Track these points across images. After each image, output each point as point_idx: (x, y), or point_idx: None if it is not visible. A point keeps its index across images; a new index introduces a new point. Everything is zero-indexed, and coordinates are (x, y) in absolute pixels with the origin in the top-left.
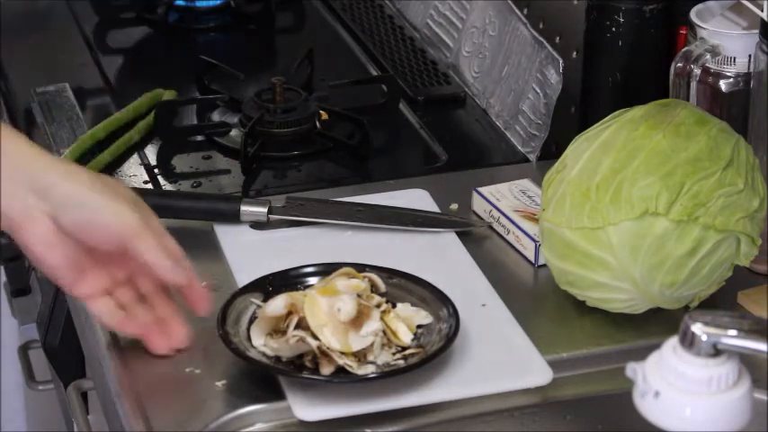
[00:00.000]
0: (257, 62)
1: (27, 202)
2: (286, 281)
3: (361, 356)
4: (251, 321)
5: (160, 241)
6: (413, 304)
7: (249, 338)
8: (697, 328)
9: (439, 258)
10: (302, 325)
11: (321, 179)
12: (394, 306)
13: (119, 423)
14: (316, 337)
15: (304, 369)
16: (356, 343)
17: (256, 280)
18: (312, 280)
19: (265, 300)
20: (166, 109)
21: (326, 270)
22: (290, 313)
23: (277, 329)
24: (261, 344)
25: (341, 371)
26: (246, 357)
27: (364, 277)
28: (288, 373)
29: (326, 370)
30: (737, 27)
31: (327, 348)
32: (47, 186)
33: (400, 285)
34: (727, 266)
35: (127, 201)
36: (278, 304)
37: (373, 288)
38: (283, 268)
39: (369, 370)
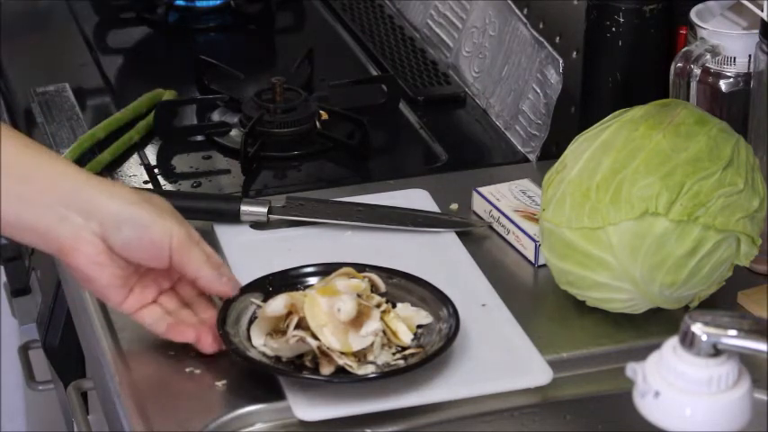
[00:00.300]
0: (257, 62)
1: (76, 224)
2: (286, 281)
3: (361, 356)
4: (251, 321)
5: (204, 252)
6: (413, 304)
7: (249, 338)
8: (697, 328)
9: (439, 258)
10: (302, 325)
11: (321, 179)
12: (394, 306)
13: (119, 423)
14: (316, 337)
15: (304, 369)
16: (356, 343)
17: (256, 280)
18: (312, 280)
19: (265, 300)
20: (166, 109)
21: (326, 270)
22: (290, 313)
23: (277, 329)
24: (261, 344)
25: (341, 371)
26: (247, 357)
27: (364, 277)
28: (288, 373)
29: (326, 370)
30: (737, 27)
31: (327, 348)
32: (94, 207)
33: (400, 285)
34: (727, 266)
35: (169, 214)
36: (278, 304)
37: (373, 288)
38: (283, 268)
39: (369, 370)
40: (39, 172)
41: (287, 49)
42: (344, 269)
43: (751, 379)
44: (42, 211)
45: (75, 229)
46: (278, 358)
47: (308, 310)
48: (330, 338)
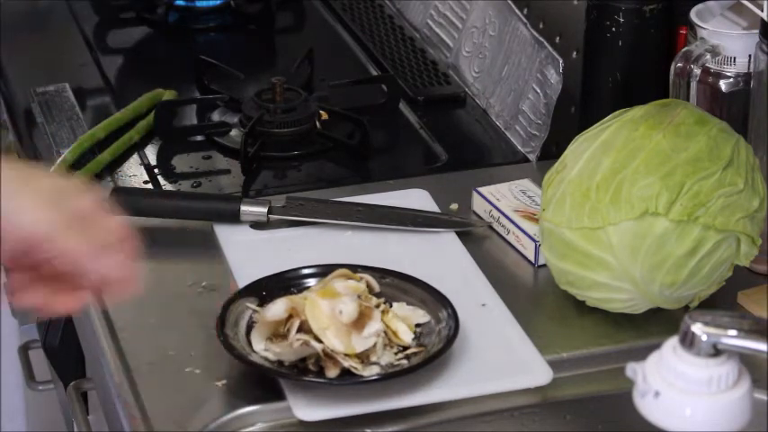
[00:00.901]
0: (257, 62)
1: None
2: (280, 284)
3: (364, 357)
4: (248, 326)
5: (84, 237)
6: (408, 303)
7: (249, 343)
8: (697, 328)
9: (439, 258)
10: (304, 328)
11: (321, 179)
12: (390, 306)
13: (119, 423)
14: (319, 340)
15: (307, 371)
16: (359, 344)
17: (250, 285)
18: (306, 282)
19: (260, 304)
20: (166, 109)
21: (319, 272)
22: (290, 317)
23: (277, 334)
24: (261, 348)
25: (346, 373)
26: (251, 362)
27: (360, 278)
28: (293, 377)
29: (332, 372)
30: (737, 27)
31: (332, 351)
32: None
33: (393, 285)
34: (727, 266)
35: (46, 198)
36: (278, 308)
37: (368, 289)
38: (277, 271)
39: (374, 371)
40: None
41: (287, 49)
42: (341, 270)
43: (751, 379)
44: None
45: None
46: (280, 362)
47: (310, 313)
48: (333, 341)
